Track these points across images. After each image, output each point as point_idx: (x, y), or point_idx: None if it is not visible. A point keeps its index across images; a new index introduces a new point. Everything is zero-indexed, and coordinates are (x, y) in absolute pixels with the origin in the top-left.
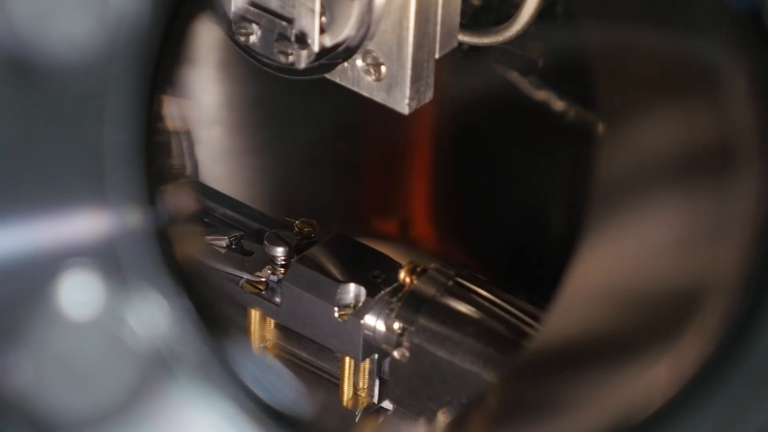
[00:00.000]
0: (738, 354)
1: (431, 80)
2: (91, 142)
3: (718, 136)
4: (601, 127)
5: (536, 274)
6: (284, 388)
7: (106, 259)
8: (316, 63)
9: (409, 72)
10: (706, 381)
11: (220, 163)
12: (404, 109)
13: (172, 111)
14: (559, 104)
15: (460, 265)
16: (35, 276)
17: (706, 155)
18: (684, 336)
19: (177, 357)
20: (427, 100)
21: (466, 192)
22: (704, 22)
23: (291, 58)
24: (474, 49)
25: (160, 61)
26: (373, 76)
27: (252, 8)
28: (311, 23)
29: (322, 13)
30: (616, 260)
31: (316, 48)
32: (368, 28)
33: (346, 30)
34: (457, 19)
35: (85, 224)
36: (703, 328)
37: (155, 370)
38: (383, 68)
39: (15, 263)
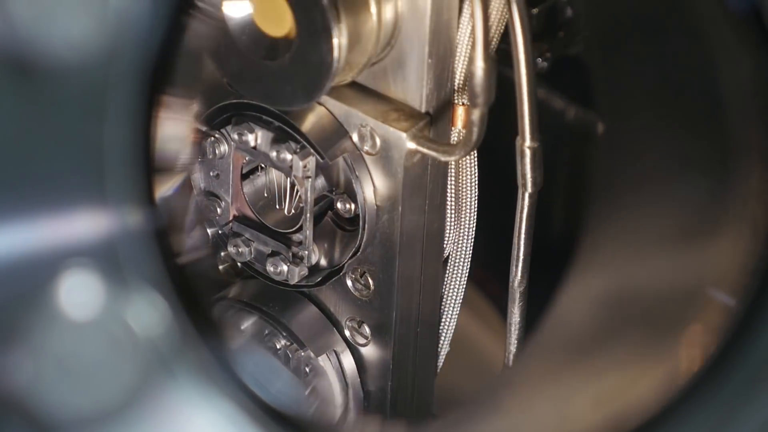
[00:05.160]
0: (738, 354)
1: None
2: (91, 142)
3: (718, 135)
4: (601, 127)
5: (537, 273)
6: (284, 388)
7: (106, 259)
8: (305, 279)
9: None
10: (705, 381)
11: None
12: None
13: (172, 111)
14: (559, 104)
15: None
16: (35, 276)
17: (706, 155)
18: (684, 336)
19: (177, 357)
20: None
21: None
22: (704, 22)
23: (283, 275)
24: None
25: (160, 61)
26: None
27: (247, 237)
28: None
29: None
30: (616, 260)
31: (306, 271)
32: (357, 252)
33: (337, 255)
34: None
35: (85, 224)
36: (703, 328)
37: (155, 370)
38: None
39: (15, 263)
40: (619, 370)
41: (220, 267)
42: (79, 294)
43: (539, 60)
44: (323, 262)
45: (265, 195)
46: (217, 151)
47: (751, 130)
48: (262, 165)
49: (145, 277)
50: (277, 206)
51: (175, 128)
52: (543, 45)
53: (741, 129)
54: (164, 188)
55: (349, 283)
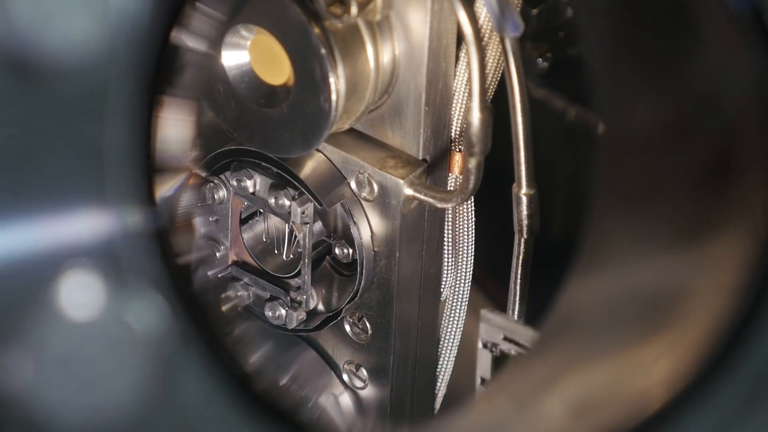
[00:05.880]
0: (738, 354)
1: None
2: (91, 142)
3: (719, 135)
4: (601, 127)
5: (537, 273)
6: (283, 388)
7: (106, 259)
8: (303, 324)
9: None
10: (706, 381)
11: None
12: None
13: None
14: (559, 104)
15: None
16: (35, 276)
17: (707, 155)
18: (684, 336)
19: (177, 357)
20: None
21: None
22: (704, 22)
23: (281, 319)
24: None
25: (160, 61)
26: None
27: (246, 281)
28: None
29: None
30: (617, 259)
31: (304, 316)
32: (355, 297)
33: (335, 300)
34: None
35: (85, 224)
36: (703, 328)
37: (155, 370)
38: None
39: (15, 263)
40: (620, 370)
41: (224, 307)
42: (79, 294)
43: (539, 60)
44: (321, 306)
45: (264, 240)
46: (215, 197)
47: (751, 130)
48: (261, 210)
49: (145, 277)
50: (276, 251)
51: (175, 128)
52: (543, 45)
53: (741, 129)
54: (164, 188)
55: (347, 327)
